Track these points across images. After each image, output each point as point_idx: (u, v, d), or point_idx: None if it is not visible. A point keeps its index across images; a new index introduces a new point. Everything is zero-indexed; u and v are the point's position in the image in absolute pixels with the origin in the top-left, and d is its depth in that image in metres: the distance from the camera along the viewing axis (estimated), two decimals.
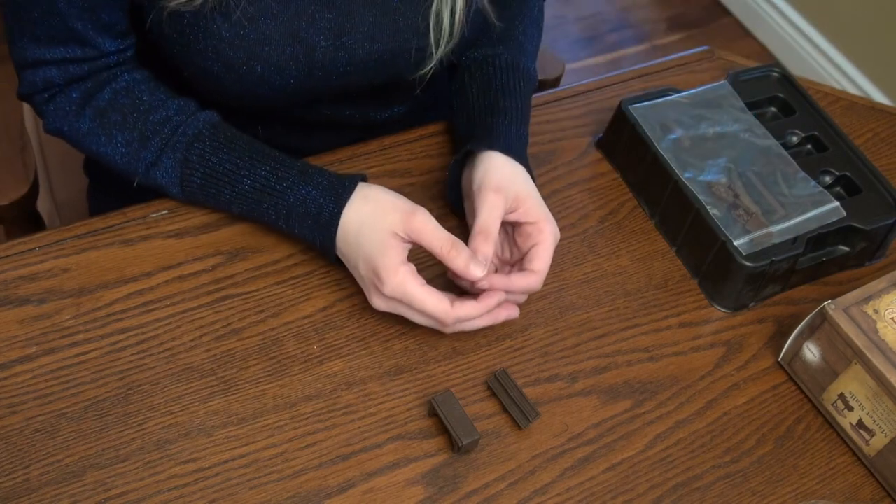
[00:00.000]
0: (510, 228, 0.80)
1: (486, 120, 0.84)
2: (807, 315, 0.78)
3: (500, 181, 0.77)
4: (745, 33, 2.38)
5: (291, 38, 0.77)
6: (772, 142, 0.90)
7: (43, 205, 1.08)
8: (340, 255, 0.76)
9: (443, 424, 0.71)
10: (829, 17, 2.20)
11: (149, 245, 0.79)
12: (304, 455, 0.70)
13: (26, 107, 1.17)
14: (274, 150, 0.78)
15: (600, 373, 0.78)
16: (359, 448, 0.71)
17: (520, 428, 0.73)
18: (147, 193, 0.82)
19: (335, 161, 0.87)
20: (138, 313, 0.75)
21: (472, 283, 0.74)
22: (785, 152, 0.89)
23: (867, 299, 0.76)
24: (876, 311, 0.76)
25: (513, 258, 0.80)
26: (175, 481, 0.67)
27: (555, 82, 1.14)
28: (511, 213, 0.77)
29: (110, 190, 1.00)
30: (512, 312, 0.76)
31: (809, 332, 0.78)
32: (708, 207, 0.83)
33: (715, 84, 0.94)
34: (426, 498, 0.69)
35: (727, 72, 0.97)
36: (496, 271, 0.80)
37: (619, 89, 1.00)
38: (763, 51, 2.34)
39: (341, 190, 0.75)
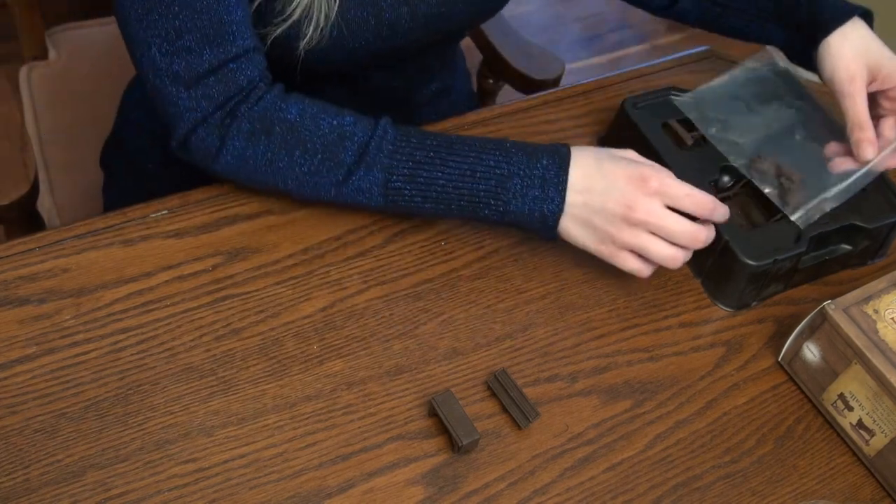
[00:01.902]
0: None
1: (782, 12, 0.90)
2: (807, 315, 0.78)
3: (850, 66, 0.83)
4: None
5: (362, 1, 0.78)
6: (805, 102, 0.92)
7: (43, 205, 1.08)
8: (578, 184, 0.76)
9: (443, 424, 0.71)
10: None
11: (149, 245, 0.79)
12: (304, 455, 0.70)
13: (27, 106, 1.17)
14: None
15: (600, 373, 0.78)
16: (359, 448, 0.71)
17: (520, 428, 0.73)
18: (160, 187, 0.82)
19: None
20: (138, 313, 0.75)
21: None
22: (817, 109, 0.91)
23: (867, 299, 0.76)
24: (876, 311, 0.76)
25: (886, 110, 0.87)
26: (175, 481, 0.67)
27: (555, 82, 1.14)
28: (868, 86, 0.84)
29: (127, 183, 1.01)
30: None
31: (809, 332, 0.78)
32: (760, 187, 0.85)
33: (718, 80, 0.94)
34: (426, 498, 0.69)
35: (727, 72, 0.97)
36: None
37: (619, 89, 1.00)
38: (763, 51, 2.33)
39: (560, 146, 0.78)
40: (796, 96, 0.93)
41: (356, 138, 0.76)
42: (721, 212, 0.78)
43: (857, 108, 0.83)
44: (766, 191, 0.84)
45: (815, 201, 0.83)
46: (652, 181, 0.75)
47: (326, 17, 0.77)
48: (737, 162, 0.86)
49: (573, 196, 0.76)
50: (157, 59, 0.73)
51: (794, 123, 0.90)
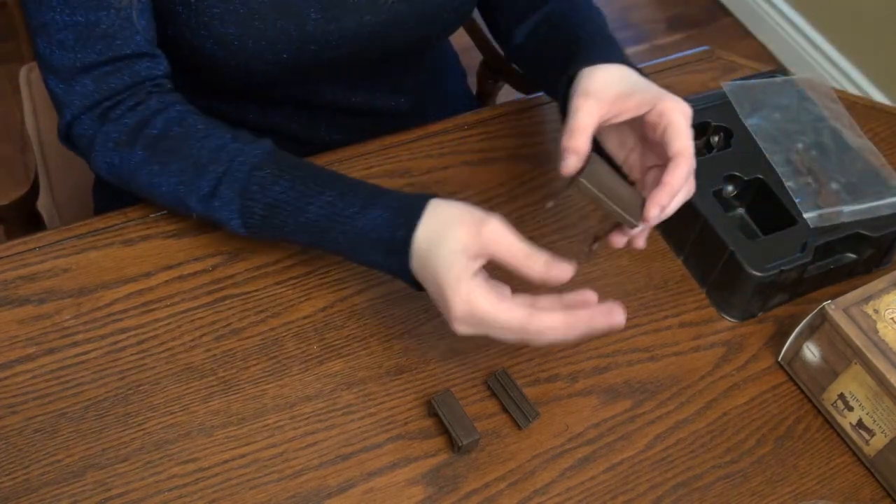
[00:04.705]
0: (639, 132, 0.74)
1: (567, 54, 0.78)
2: (807, 315, 0.78)
3: (589, 86, 0.71)
4: (745, 33, 2.38)
5: (282, 11, 0.77)
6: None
7: (43, 205, 1.08)
8: (420, 281, 0.69)
9: (443, 424, 0.71)
10: (829, 17, 2.20)
11: (149, 245, 0.79)
12: (304, 455, 0.70)
13: (27, 107, 1.17)
14: (339, 174, 0.73)
15: (600, 373, 0.78)
16: (359, 448, 0.71)
17: (520, 428, 0.73)
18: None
19: (335, 161, 0.87)
20: (138, 313, 0.75)
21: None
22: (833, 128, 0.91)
23: (867, 299, 0.76)
24: (876, 311, 0.76)
25: (661, 159, 0.72)
26: (175, 481, 0.67)
27: None
28: (618, 114, 0.71)
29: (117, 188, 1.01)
30: (614, 318, 0.66)
31: (809, 332, 0.78)
32: (784, 179, 0.85)
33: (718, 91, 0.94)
34: (426, 498, 0.69)
35: (728, 72, 0.97)
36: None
37: None
38: (763, 51, 2.34)
39: (411, 210, 0.68)
40: (833, 116, 0.93)
41: (213, 168, 0.73)
42: (538, 338, 0.66)
43: (576, 117, 0.70)
44: (788, 184, 0.84)
45: (833, 209, 0.82)
46: (453, 308, 0.65)
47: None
48: (770, 152, 0.87)
49: (416, 274, 0.68)
50: (40, 47, 0.74)
51: (830, 136, 0.90)
